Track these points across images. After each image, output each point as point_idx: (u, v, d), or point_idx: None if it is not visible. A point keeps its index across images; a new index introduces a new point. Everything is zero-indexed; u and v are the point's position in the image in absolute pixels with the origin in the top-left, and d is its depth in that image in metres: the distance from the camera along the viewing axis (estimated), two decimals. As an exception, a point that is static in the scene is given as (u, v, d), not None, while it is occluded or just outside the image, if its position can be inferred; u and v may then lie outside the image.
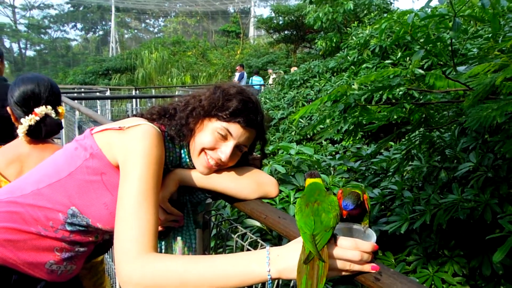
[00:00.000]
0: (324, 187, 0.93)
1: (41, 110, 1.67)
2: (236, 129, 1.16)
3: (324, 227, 0.81)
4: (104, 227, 1.16)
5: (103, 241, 1.27)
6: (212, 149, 1.17)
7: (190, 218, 1.28)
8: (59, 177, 1.11)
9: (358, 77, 6.46)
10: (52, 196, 1.11)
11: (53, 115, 1.71)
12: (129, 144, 1.05)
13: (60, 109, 1.76)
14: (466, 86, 2.00)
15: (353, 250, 0.80)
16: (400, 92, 4.64)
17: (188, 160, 1.22)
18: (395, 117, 2.42)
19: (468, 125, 1.55)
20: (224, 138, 1.17)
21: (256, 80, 14.54)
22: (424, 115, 2.32)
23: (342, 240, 0.82)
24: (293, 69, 12.02)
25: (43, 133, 1.70)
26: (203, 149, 1.18)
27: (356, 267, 0.81)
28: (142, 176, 1.00)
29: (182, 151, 1.22)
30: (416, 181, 3.05)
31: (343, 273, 0.81)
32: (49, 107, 1.70)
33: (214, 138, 1.16)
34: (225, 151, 1.17)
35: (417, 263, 2.72)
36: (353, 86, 2.24)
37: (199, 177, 1.21)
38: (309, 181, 0.95)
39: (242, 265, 0.84)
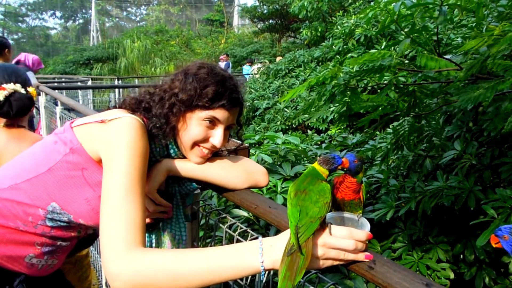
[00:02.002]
0: (321, 173, 0.91)
1: (9, 85, 1.64)
2: (222, 114, 1.12)
3: (309, 218, 0.79)
4: (86, 223, 1.12)
5: (86, 235, 1.24)
6: (204, 140, 1.15)
7: (179, 209, 1.25)
8: (38, 172, 1.07)
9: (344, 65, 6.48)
10: (31, 191, 1.06)
11: (23, 91, 1.68)
12: (112, 137, 1.01)
13: (31, 89, 1.72)
14: (458, 66, 2.00)
15: (347, 239, 0.79)
16: (386, 80, 4.67)
17: (176, 150, 1.19)
18: (386, 101, 2.40)
19: (458, 105, 1.55)
20: (212, 125, 1.14)
21: (247, 69, 14.49)
22: (412, 100, 2.32)
23: (337, 229, 0.81)
24: (278, 58, 11.98)
25: (13, 109, 1.64)
26: (195, 143, 1.15)
27: (350, 256, 0.80)
28: (127, 170, 0.96)
29: (168, 142, 1.18)
30: (401, 169, 3.09)
31: (337, 262, 0.81)
32: (18, 85, 1.67)
33: (203, 130, 1.13)
34: (217, 138, 1.14)
35: (402, 250, 2.77)
36: (344, 66, 2.23)
37: (187, 167, 1.18)
38: (312, 165, 0.94)
39: (234, 256, 0.82)
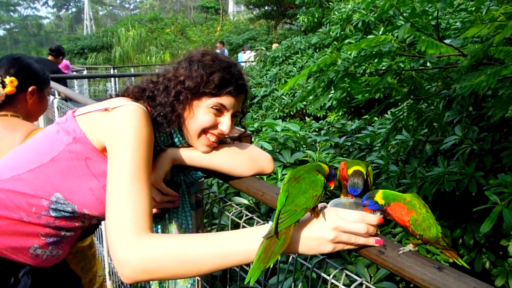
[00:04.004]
0: (323, 166, 0.90)
1: None
2: (229, 101, 1.12)
3: (294, 206, 0.79)
4: (91, 213, 1.11)
5: (90, 225, 1.23)
6: (212, 127, 1.14)
7: (185, 198, 1.25)
8: (40, 162, 1.06)
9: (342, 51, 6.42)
10: (34, 182, 1.05)
11: None
12: (116, 125, 1.00)
13: (7, 79, 1.70)
14: (459, 51, 1.99)
15: (359, 223, 0.79)
16: (385, 65, 4.64)
17: (181, 139, 1.18)
18: (386, 84, 2.39)
19: (460, 92, 1.54)
20: (219, 112, 1.14)
21: (241, 57, 14.45)
22: (413, 85, 2.31)
23: (348, 213, 0.81)
24: (275, 45, 11.89)
25: None
26: (202, 130, 1.14)
27: (361, 240, 0.80)
28: (132, 157, 0.95)
29: (172, 131, 1.17)
30: (401, 155, 3.09)
31: (348, 246, 0.81)
32: None
33: (211, 117, 1.12)
34: (225, 124, 1.14)
35: (402, 235, 2.79)
36: (343, 52, 2.21)
37: (193, 155, 1.18)
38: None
39: (244, 241, 0.82)
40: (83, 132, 1.05)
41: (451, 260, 2.63)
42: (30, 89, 1.74)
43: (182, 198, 1.25)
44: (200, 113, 1.12)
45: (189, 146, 1.19)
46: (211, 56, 1.14)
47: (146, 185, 0.95)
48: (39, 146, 1.09)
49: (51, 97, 3.31)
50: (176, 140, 1.18)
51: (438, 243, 0.81)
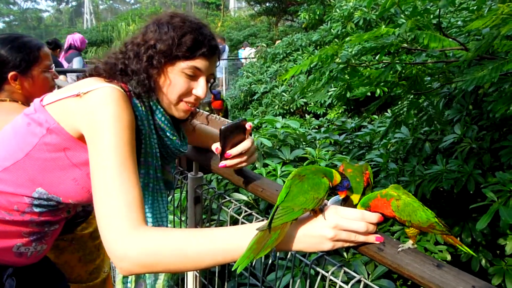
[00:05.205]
0: (334, 175, 0.88)
1: None
2: (203, 63, 1.08)
3: (293, 204, 0.79)
4: (77, 202, 1.07)
5: (76, 213, 1.19)
6: (187, 93, 1.10)
7: (162, 197, 1.18)
8: (15, 159, 0.99)
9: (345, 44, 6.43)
10: (12, 180, 1.00)
11: None
12: (92, 112, 0.93)
13: None
14: (462, 45, 1.98)
15: (359, 221, 0.79)
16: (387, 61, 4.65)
17: (162, 110, 1.12)
18: (388, 78, 2.38)
19: (462, 86, 1.53)
20: (194, 76, 1.09)
21: (243, 53, 14.47)
22: (414, 79, 2.30)
23: (349, 211, 0.81)
24: (278, 42, 11.88)
25: None
26: (179, 98, 1.10)
27: (361, 238, 0.80)
28: (115, 145, 0.90)
29: (151, 103, 1.09)
30: (400, 153, 3.10)
31: (347, 244, 0.81)
32: None
33: (185, 82, 1.08)
34: (200, 88, 1.10)
35: (400, 233, 2.80)
36: (345, 44, 2.20)
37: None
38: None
39: (244, 237, 0.81)
40: (56, 122, 0.98)
41: (448, 258, 2.63)
42: (9, 76, 1.59)
43: (160, 197, 1.19)
44: (174, 79, 1.08)
45: (171, 116, 1.15)
46: (180, 17, 1.09)
47: (134, 174, 0.91)
48: (10, 142, 1.02)
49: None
50: (157, 112, 1.11)
51: (434, 227, 0.80)
